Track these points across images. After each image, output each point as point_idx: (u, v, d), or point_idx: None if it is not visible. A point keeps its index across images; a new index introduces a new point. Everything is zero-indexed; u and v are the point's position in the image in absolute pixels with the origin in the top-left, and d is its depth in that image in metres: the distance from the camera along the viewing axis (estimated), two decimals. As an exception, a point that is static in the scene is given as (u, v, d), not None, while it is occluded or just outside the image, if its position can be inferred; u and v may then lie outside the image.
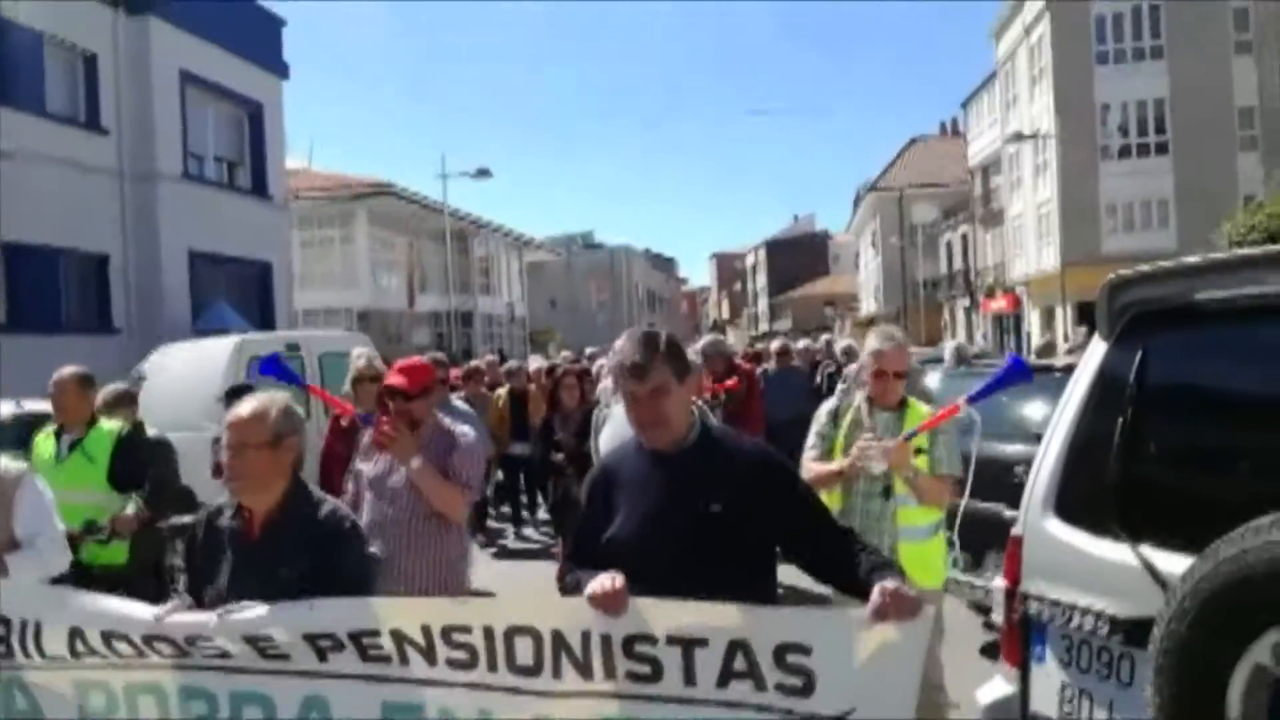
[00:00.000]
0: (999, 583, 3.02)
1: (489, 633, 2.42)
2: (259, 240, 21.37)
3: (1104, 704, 2.57)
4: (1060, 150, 32.99)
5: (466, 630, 2.44)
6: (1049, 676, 2.73)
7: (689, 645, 2.28)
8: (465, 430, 4.11)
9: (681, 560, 2.43)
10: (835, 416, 4.29)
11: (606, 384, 8.25)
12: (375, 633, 2.51)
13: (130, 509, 4.72)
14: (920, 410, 4.20)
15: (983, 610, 5.94)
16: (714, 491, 2.50)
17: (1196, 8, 31.93)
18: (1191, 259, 2.70)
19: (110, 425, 4.90)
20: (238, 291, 20.60)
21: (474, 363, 12.31)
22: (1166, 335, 2.75)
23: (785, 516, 2.56)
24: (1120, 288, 2.80)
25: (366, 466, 4.11)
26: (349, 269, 30.72)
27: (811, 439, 4.34)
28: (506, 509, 11.17)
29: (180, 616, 2.68)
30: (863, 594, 2.28)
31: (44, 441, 4.93)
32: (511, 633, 2.41)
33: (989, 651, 5.53)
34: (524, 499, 11.08)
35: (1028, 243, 38.22)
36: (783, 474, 2.66)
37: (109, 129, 17.79)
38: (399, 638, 2.49)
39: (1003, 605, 2.94)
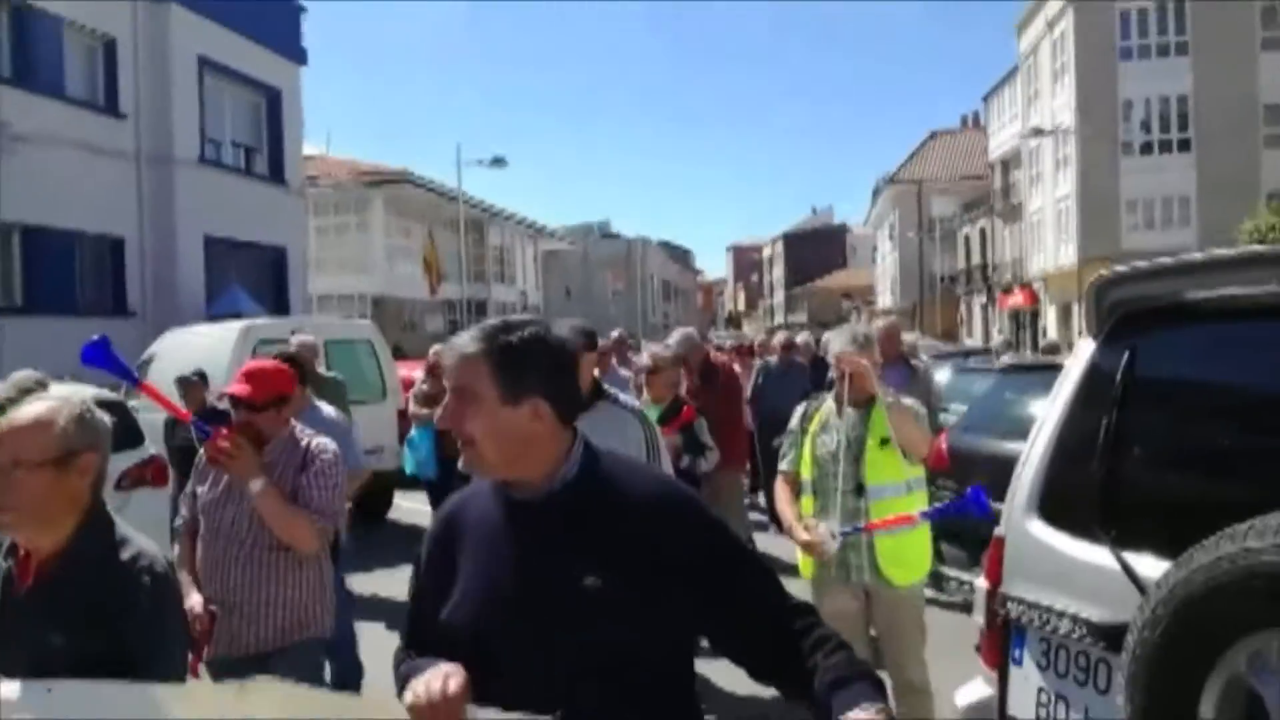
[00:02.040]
0: (982, 582, 2.99)
1: None
2: (275, 226, 21.47)
3: (1080, 709, 2.53)
4: (1081, 146, 32.72)
5: None
6: (1027, 680, 2.69)
7: None
8: (323, 445, 3.45)
9: (541, 656, 1.70)
10: (805, 418, 4.19)
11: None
12: None
13: None
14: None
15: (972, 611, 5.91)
16: (591, 557, 1.72)
17: (1222, 4, 31.56)
18: (1180, 257, 2.66)
19: None
20: (253, 276, 20.70)
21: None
22: (1154, 334, 2.71)
23: (705, 590, 1.74)
24: (1108, 286, 2.76)
25: (203, 489, 3.45)
26: (364, 255, 30.80)
27: (784, 445, 4.28)
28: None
29: None
30: (820, 713, 1.63)
31: None
32: None
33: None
34: None
35: (1047, 238, 37.95)
36: (702, 528, 1.81)
37: (127, 113, 17.89)
38: None
39: (984, 606, 2.90)
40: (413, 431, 8.55)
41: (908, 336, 23.62)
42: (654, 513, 1.78)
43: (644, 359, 6.04)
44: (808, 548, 3.87)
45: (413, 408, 8.70)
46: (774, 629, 1.75)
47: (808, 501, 4.11)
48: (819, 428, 4.09)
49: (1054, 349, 14.49)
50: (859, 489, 3.91)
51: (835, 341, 4.05)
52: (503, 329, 1.79)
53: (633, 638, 1.71)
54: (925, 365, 7.96)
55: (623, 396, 4.16)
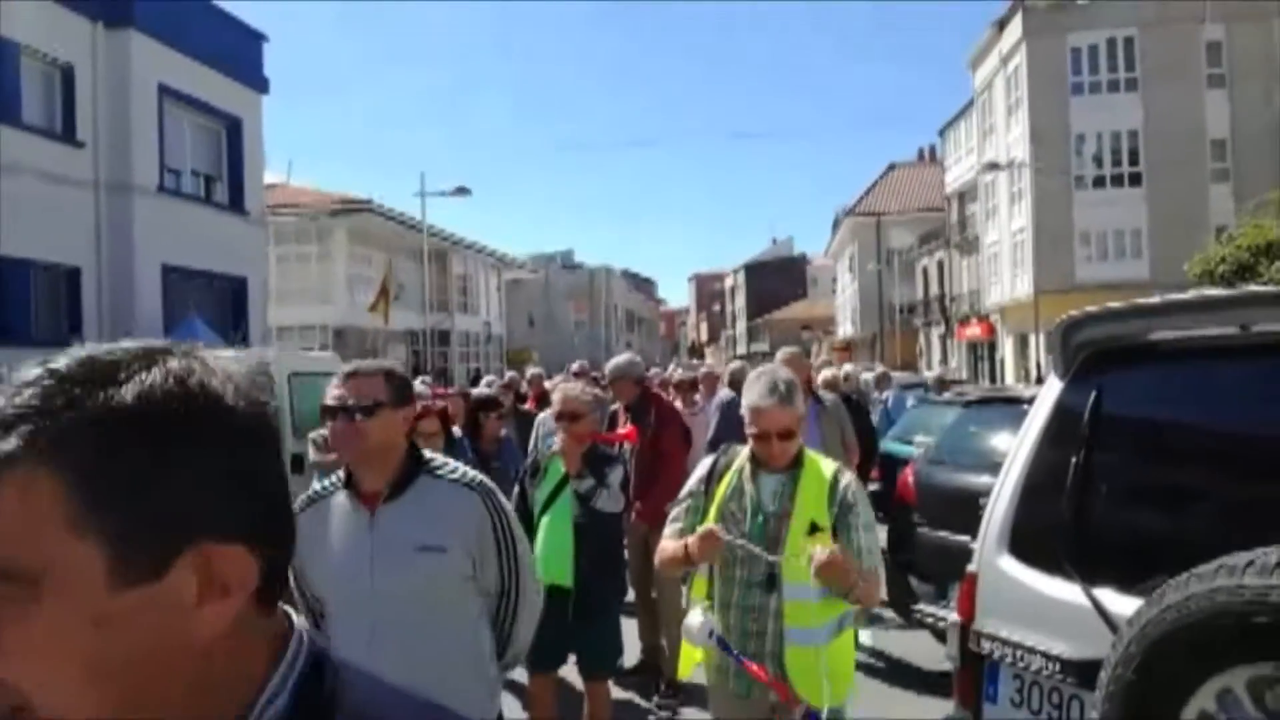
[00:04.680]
0: (954, 618, 3.02)
1: None
2: (235, 255, 21.26)
3: (1054, 745, 2.56)
4: (1035, 179, 33.36)
5: None
6: (1001, 717, 2.72)
7: None
8: None
9: None
10: (710, 476, 3.27)
11: (546, 416, 6.68)
12: None
13: None
14: (819, 470, 3.14)
15: (945, 640, 5.94)
16: None
17: (1170, 41, 32.50)
18: (1146, 299, 2.72)
19: None
20: (212, 306, 20.45)
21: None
22: (1121, 375, 2.77)
23: None
24: (1075, 326, 2.82)
25: None
26: (325, 285, 30.57)
27: (677, 509, 3.33)
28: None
29: None
30: None
31: None
32: None
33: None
34: None
35: (1003, 270, 38.55)
36: None
37: (85, 141, 17.66)
38: None
39: (957, 642, 2.93)
40: (315, 484, 6.59)
41: (864, 365, 23.51)
42: None
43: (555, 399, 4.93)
44: (702, 545, 3.03)
45: (313, 455, 6.70)
46: None
47: (700, 584, 3.21)
48: (728, 491, 3.17)
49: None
50: (770, 582, 3.02)
51: (752, 391, 3.10)
52: (77, 380, 0.74)
53: None
54: (833, 400, 6.89)
55: (452, 466, 2.75)
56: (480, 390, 7.57)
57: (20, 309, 16.21)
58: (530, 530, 4.23)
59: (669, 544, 3.25)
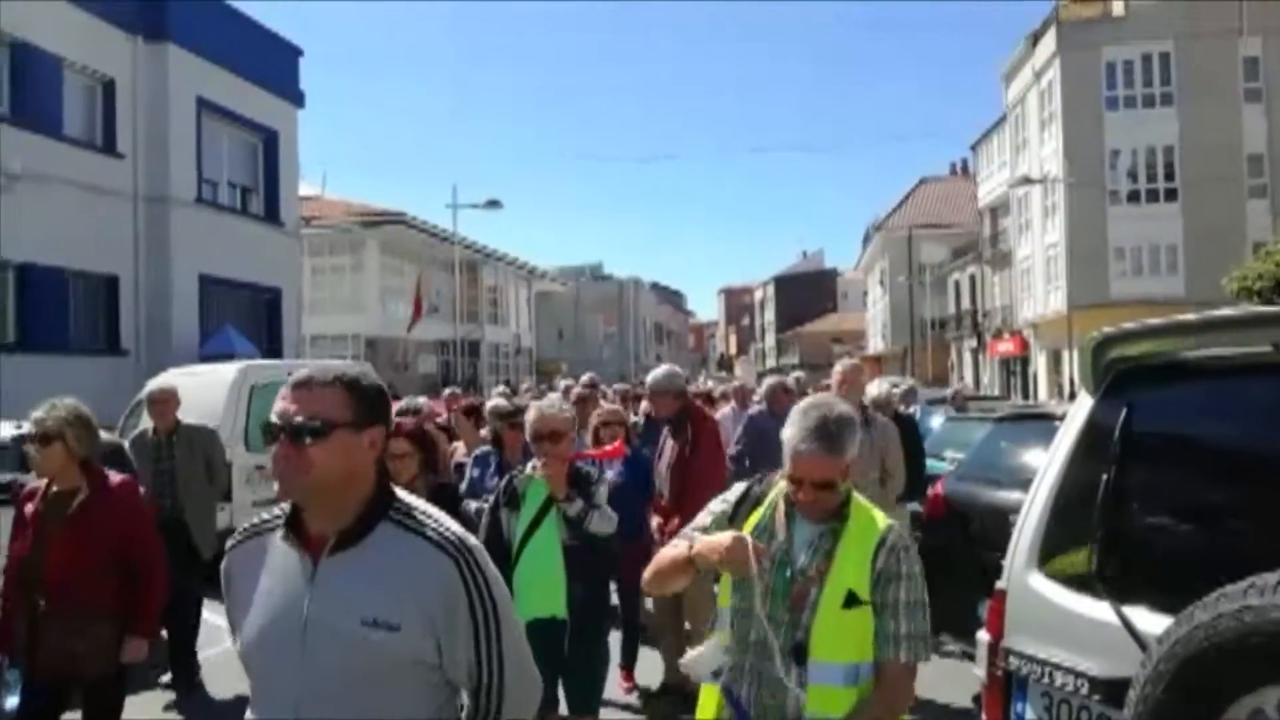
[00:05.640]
0: (983, 635, 3.01)
1: None
2: (270, 266, 21.55)
3: (1083, 764, 2.55)
4: (1068, 194, 33.11)
5: None
6: (1029, 734, 2.71)
7: None
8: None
9: None
10: (743, 502, 2.69)
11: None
12: None
13: None
14: (870, 525, 2.51)
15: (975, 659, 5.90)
16: None
17: (1207, 56, 32.18)
18: (1177, 317, 2.72)
19: None
20: (246, 316, 20.75)
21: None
22: (1152, 392, 2.77)
23: None
24: (1106, 344, 2.82)
25: None
26: (358, 296, 30.91)
27: (700, 517, 2.76)
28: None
29: None
30: None
31: None
32: None
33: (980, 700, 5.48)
34: None
35: (1036, 285, 38.26)
36: None
37: (125, 153, 18.00)
38: None
39: (985, 659, 2.92)
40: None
41: (893, 379, 23.19)
42: None
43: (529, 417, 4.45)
44: (730, 556, 2.41)
45: None
46: None
47: (723, 636, 2.56)
48: (755, 530, 2.57)
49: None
50: (798, 653, 2.42)
51: (795, 427, 2.51)
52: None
53: None
54: (884, 422, 6.45)
55: (429, 515, 1.99)
56: (497, 401, 7.21)
57: (59, 317, 16.50)
58: (507, 563, 4.04)
59: (669, 550, 2.68)
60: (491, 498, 4.45)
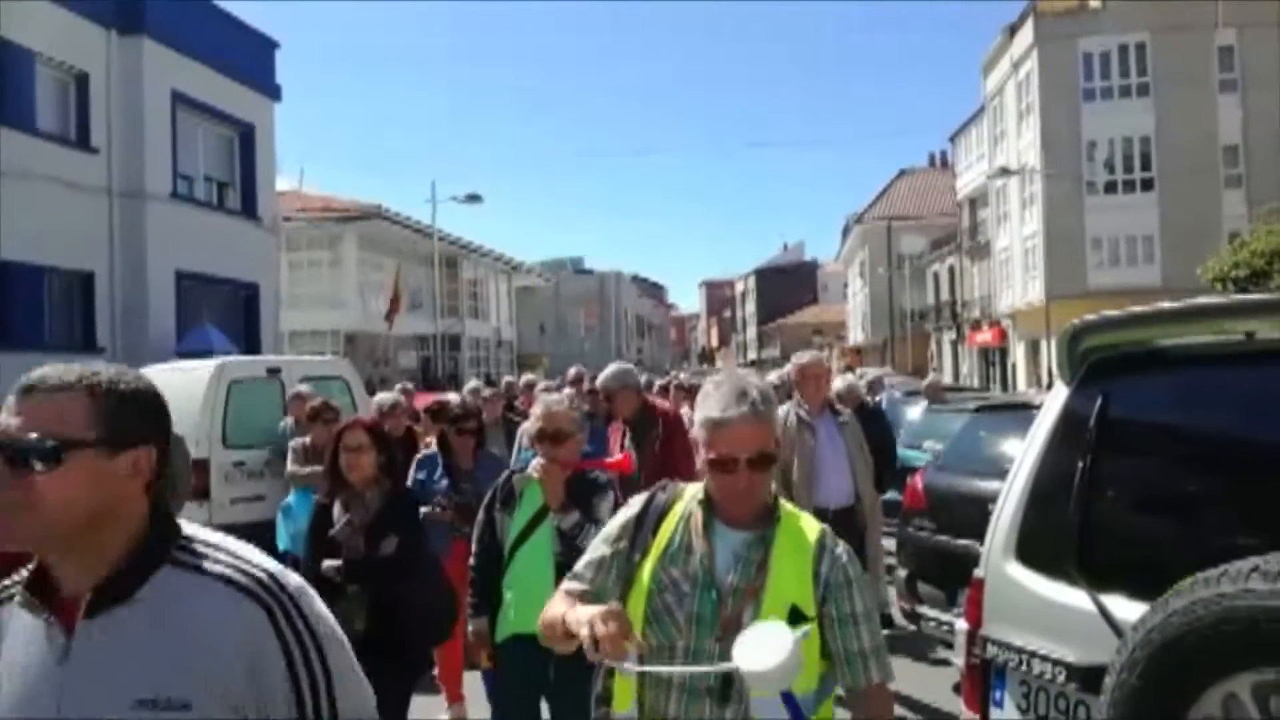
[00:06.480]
0: (962, 624, 3.02)
1: None
2: (247, 261, 21.37)
3: (1060, 751, 2.57)
4: (1046, 185, 33.31)
5: None
6: (1007, 722, 2.73)
7: None
8: None
9: None
10: (641, 524, 2.24)
11: (529, 425, 4.68)
12: None
13: None
14: (801, 529, 2.17)
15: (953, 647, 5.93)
16: None
17: (1183, 47, 32.44)
18: (1152, 306, 2.73)
19: None
20: (224, 312, 20.57)
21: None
22: (1127, 381, 2.78)
23: None
24: (1081, 333, 2.83)
25: None
26: (337, 291, 30.72)
27: (580, 563, 2.30)
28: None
29: None
30: None
31: None
32: None
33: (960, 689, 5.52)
34: None
35: (1014, 275, 38.48)
36: None
37: (99, 148, 17.79)
38: None
39: (964, 648, 2.93)
40: (290, 496, 6.80)
41: (873, 371, 23.02)
42: None
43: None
44: (604, 633, 1.84)
45: (290, 465, 7.05)
46: None
47: (623, 686, 2.15)
48: (666, 550, 2.17)
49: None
50: (724, 691, 2.03)
51: (710, 401, 2.13)
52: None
53: None
54: (848, 414, 6.24)
55: (225, 550, 1.53)
56: (453, 397, 6.80)
57: (34, 314, 16.33)
58: (500, 567, 3.82)
59: (554, 604, 2.19)
60: (486, 497, 4.10)
